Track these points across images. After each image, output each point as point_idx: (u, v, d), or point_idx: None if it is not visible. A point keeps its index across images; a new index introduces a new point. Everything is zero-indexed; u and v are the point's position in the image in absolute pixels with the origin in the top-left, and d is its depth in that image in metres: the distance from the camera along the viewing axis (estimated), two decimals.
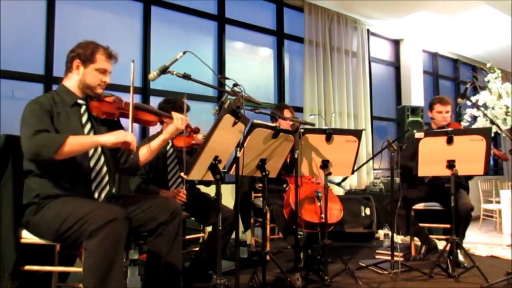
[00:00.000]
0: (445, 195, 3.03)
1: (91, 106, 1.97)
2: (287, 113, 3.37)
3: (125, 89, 3.40)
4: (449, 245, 2.87)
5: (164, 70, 1.88)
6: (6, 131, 2.03)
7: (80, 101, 1.97)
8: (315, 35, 5.29)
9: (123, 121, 2.08)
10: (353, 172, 2.89)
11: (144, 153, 2.11)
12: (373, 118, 6.07)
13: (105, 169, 1.94)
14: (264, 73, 5.22)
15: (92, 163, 1.90)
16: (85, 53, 1.92)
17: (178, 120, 2.07)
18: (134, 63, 1.96)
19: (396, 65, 6.77)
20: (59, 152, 1.67)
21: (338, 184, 4.08)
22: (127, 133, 1.84)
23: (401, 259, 3.08)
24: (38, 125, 1.74)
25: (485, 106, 4.75)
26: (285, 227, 3.05)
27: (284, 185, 3.38)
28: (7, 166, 1.88)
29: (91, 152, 1.90)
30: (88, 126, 1.95)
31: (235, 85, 1.96)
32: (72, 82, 1.96)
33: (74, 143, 1.72)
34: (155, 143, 2.11)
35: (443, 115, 3.42)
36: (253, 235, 3.85)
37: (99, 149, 1.94)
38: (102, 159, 1.94)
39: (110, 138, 1.80)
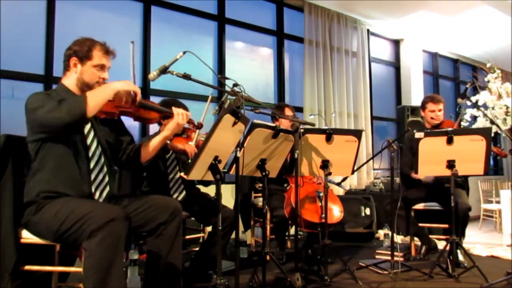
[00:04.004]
0: (444, 195, 3.03)
1: None
2: (288, 112, 3.37)
3: None
4: (449, 245, 2.87)
5: (164, 70, 1.88)
6: (6, 131, 2.02)
7: None
8: (315, 35, 5.29)
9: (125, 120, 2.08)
10: (353, 172, 2.89)
11: (146, 150, 2.09)
12: (373, 118, 6.07)
13: (105, 169, 1.94)
14: (264, 73, 5.21)
15: (92, 164, 1.90)
16: (82, 50, 1.90)
17: (178, 116, 2.01)
18: (134, 44, 2.09)
19: (396, 65, 6.77)
20: (87, 109, 1.71)
21: (338, 184, 4.08)
22: (134, 85, 1.91)
23: (401, 259, 3.08)
24: (53, 99, 1.75)
25: (485, 106, 4.74)
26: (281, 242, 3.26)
27: (285, 185, 3.38)
28: (7, 166, 1.88)
29: (91, 152, 1.90)
30: (88, 125, 1.94)
31: (235, 85, 1.96)
32: (70, 81, 1.94)
33: (94, 96, 1.76)
34: (156, 140, 2.07)
35: (436, 113, 3.42)
36: (253, 235, 3.85)
37: (99, 149, 1.94)
38: (103, 159, 1.94)
39: (121, 84, 1.85)
